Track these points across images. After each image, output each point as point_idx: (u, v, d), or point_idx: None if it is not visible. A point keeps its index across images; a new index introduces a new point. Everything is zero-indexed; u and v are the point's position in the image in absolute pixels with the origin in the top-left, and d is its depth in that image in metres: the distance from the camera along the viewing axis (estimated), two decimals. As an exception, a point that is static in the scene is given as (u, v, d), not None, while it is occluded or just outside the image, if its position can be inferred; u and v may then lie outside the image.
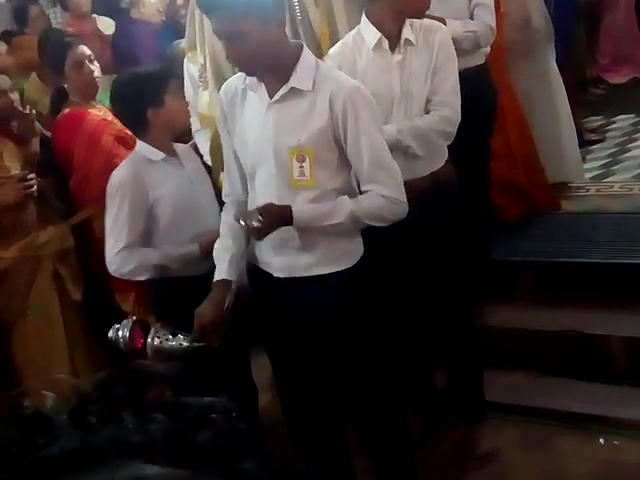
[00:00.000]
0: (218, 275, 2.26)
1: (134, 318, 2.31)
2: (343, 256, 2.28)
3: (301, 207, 2.15)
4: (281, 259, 2.26)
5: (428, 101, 2.67)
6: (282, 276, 2.29)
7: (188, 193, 2.71)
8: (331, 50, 2.84)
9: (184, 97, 3.16)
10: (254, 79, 2.18)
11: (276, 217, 2.13)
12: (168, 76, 2.81)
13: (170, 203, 2.67)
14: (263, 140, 2.18)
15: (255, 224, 2.09)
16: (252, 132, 2.20)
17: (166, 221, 2.69)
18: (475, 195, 3.44)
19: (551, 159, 4.23)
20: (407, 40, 2.65)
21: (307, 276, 2.26)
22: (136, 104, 2.65)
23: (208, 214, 2.71)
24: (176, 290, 2.67)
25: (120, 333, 2.22)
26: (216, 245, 2.34)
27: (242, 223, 2.13)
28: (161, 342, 2.19)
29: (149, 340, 2.19)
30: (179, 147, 2.85)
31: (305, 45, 2.36)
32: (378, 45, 2.68)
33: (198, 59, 3.13)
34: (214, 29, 2.11)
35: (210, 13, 2.06)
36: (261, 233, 2.13)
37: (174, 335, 2.21)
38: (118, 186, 2.64)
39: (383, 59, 2.68)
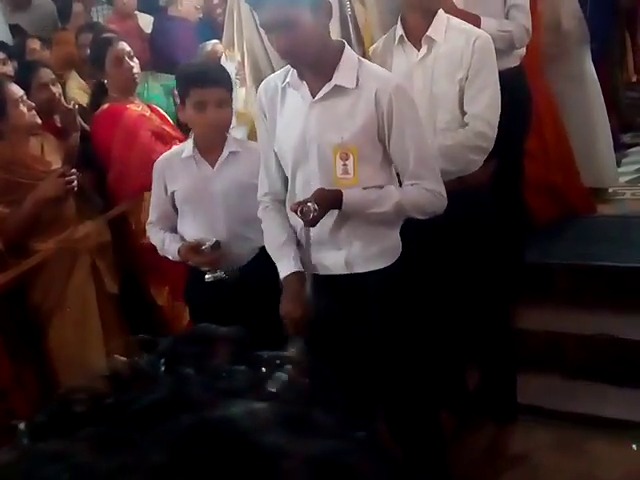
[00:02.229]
0: (286, 270, 2.26)
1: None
2: (383, 253, 2.28)
3: (351, 191, 2.15)
4: (320, 256, 2.26)
5: (464, 112, 2.64)
6: (322, 273, 2.28)
7: (201, 194, 2.71)
8: (370, 48, 2.86)
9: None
10: (296, 77, 2.19)
11: (329, 200, 2.14)
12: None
13: (181, 198, 2.75)
14: (305, 138, 2.18)
15: (311, 208, 2.08)
16: (294, 131, 2.21)
17: (181, 214, 2.78)
18: (509, 196, 3.43)
19: (585, 163, 4.20)
20: (430, 38, 2.63)
21: (347, 274, 2.26)
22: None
23: (219, 218, 2.70)
24: (206, 287, 2.69)
25: None
26: (270, 245, 2.35)
27: (297, 212, 2.12)
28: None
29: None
30: (231, 149, 2.77)
31: (349, 43, 2.38)
32: (401, 41, 2.68)
33: (235, 57, 3.16)
34: (262, 21, 2.10)
35: (260, 4, 2.06)
36: (315, 218, 2.12)
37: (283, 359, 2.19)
38: (154, 169, 2.80)
39: (406, 56, 2.68)
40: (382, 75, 2.19)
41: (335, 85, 2.14)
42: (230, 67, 3.27)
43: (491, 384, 3.17)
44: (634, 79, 6.05)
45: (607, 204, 4.30)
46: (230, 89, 2.66)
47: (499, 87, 2.67)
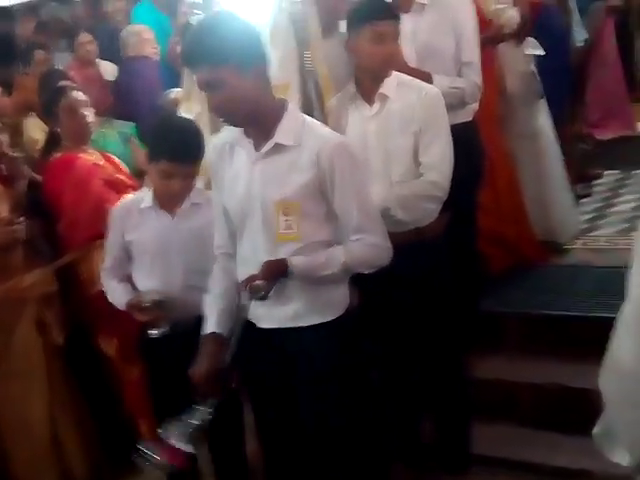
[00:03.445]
0: (207, 329, 2.27)
1: (146, 443, 2.24)
2: (329, 306, 2.28)
3: (296, 259, 2.17)
4: (265, 310, 2.25)
5: (418, 164, 2.71)
6: (267, 327, 2.28)
7: (159, 245, 2.72)
8: (328, 104, 2.92)
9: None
10: (242, 135, 2.22)
11: (276, 272, 2.16)
12: None
13: (138, 247, 2.76)
14: (250, 194, 2.20)
15: (260, 286, 2.11)
16: (239, 187, 2.23)
17: (136, 262, 2.79)
18: (463, 247, 3.47)
19: (538, 218, 4.31)
20: (383, 95, 2.71)
21: (293, 327, 2.25)
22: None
23: (175, 269, 2.71)
24: (158, 340, 2.69)
25: (152, 460, 2.16)
26: (206, 299, 2.35)
27: (246, 290, 2.15)
28: (187, 430, 2.13)
29: (176, 442, 2.12)
30: (193, 200, 2.78)
31: (309, 98, 2.44)
32: (355, 98, 2.77)
33: (194, 108, 3.18)
34: (197, 82, 2.13)
35: (193, 66, 2.09)
36: (265, 295, 2.15)
37: (189, 413, 2.16)
38: (111, 217, 2.82)
39: (360, 113, 2.76)
40: (323, 134, 2.22)
41: (276, 143, 2.16)
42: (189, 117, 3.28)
43: (444, 435, 3.17)
44: (584, 132, 6.24)
45: (559, 254, 4.38)
46: (199, 161, 2.69)
47: (451, 139, 2.74)
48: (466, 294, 3.51)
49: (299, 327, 2.25)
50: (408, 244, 2.64)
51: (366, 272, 2.30)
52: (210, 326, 2.27)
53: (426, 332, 2.92)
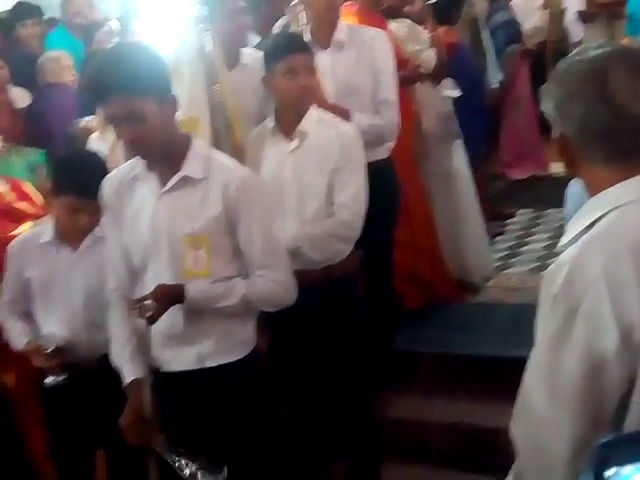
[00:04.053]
0: (127, 377, 2.19)
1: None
2: (236, 345, 2.22)
3: (194, 286, 2.11)
4: (171, 352, 2.18)
5: (332, 202, 2.69)
6: (172, 370, 2.20)
7: (59, 281, 2.63)
8: (244, 138, 2.88)
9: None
10: (144, 169, 2.15)
11: (169, 296, 2.09)
12: None
13: (38, 284, 2.66)
14: (155, 230, 2.13)
15: (150, 306, 2.04)
16: (143, 223, 2.15)
17: (36, 300, 2.69)
18: (378, 284, 3.48)
19: (453, 256, 4.36)
20: (302, 131, 2.70)
21: (199, 368, 2.19)
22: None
23: (76, 306, 2.62)
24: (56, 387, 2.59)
25: None
26: (113, 348, 2.27)
27: (135, 310, 2.08)
28: None
29: None
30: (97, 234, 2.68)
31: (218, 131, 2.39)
32: (274, 133, 2.74)
33: (108, 137, 3.09)
34: (108, 114, 2.05)
35: (107, 97, 2.01)
36: (154, 316, 2.07)
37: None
38: (9, 252, 2.71)
39: (278, 147, 2.74)
40: (231, 166, 2.20)
41: (184, 176, 2.11)
42: (102, 147, 3.20)
43: (355, 476, 3.12)
44: (499, 171, 6.40)
45: (472, 292, 4.42)
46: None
47: (366, 179, 2.74)
48: (380, 332, 3.50)
49: (206, 368, 2.18)
50: (319, 282, 2.62)
51: (269, 310, 2.27)
52: (128, 374, 2.19)
53: (337, 371, 2.88)
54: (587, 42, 6.06)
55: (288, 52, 2.65)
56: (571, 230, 1.43)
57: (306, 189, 2.69)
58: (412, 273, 4.11)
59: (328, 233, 2.68)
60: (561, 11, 7.33)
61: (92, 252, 2.62)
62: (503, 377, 3.46)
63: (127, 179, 2.19)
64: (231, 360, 2.20)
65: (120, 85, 1.96)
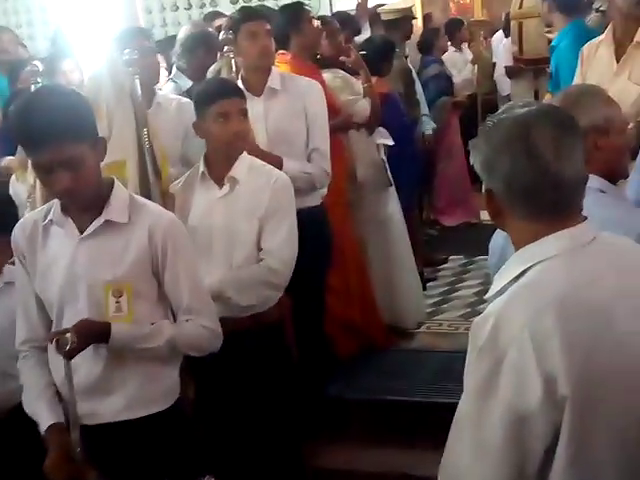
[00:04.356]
0: (45, 423, 2.09)
1: None
2: (158, 396, 2.16)
3: (118, 325, 2.05)
4: (88, 405, 2.09)
5: (260, 249, 2.69)
6: (88, 424, 2.10)
7: None
8: (173, 184, 2.86)
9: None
10: (60, 214, 2.09)
11: (92, 332, 2.02)
12: None
13: None
14: (73, 277, 2.07)
15: (69, 339, 1.94)
16: (59, 269, 2.09)
17: None
18: (309, 330, 3.46)
19: (386, 302, 4.38)
20: (233, 177, 2.69)
21: (116, 422, 2.11)
22: None
23: None
24: None
25: None
26: (27, 397, 2.17)
27: (53, 342, 1.99)
28: None
29: None
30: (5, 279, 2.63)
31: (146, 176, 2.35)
32: (204, 178, 2.73)
33: (28, 179, 3.02)
34: (42, 162, 1.95)
35: (42, 146, 1.92)
36: (73, 351, 1.97)
37: None
38: None
39: (208, 193, 2.72)
40: (155, 211, 2.17)
41: (106, 220, 2.07)
42: (21, 189, 3.12)
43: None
44: (431, 218, 6.52)
45: (405, 338, 4.44)
46: None
47: (295, 227, 2.74)
48: (312, 379, 3.48)
49: (125, 421, 2.11)
50: (247, 329, 2.61)
51: (195, 355, 2.23)
52: (47, 419, 2.09)
53: (266, 420, 2.83)
54: (515, 96, 6.34)
55: (220, 97, 2.65)
56: (498, 282, 1.46)
57: (235, 236, 2.68)
58: (345, 319, 4.11)
59: (255, 279, 2.66)
60: (491, 65, 7.60)
61: (3, 298, 2.54)
62: (434, 424, 3.48)
63: (41, 224, 2.12)
64: (152, 412, 2.13)
65: (57, 133, 1.89)
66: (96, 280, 2.06)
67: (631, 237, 1.59)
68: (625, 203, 1.94)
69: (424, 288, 5.01)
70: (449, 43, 7.20)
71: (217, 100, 2.65)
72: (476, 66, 6.96)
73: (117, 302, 2.04)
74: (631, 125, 3.04)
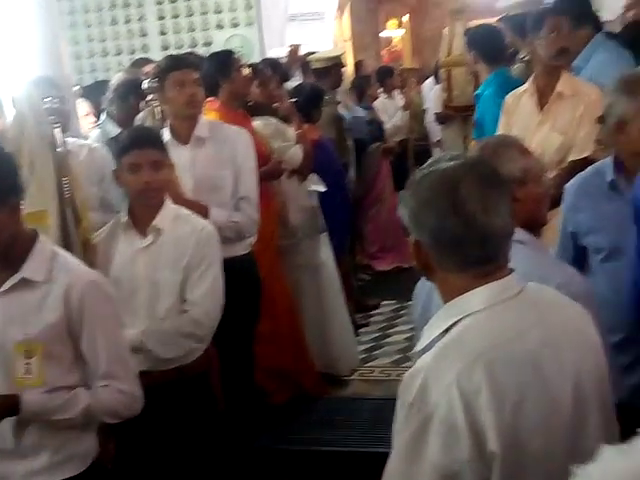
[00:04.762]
0: None
1: None
2: (73, 460, 2.07)
3: (30, 397, 1.96)
4: (13, 465, 2.00)
5: (184, 300, 2.64)
6: None
7: None
8: (96, 233, 2.80)
9: None
10: None
11: (2, 408, 1.94)
12: None
13: None
14: None
15: None
16: None
17: None
18: (238, 380, 3.42)
19: (318, 349, 4.35)
20: (156, 227, 2.65)
21: None
22: None
23: None
24: None
25: None
26: None
27: None
28: None
29: None
30: None
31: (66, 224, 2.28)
32: (127, 228, 2.68)
33: None
34: None
35: None
36: None
37: None
38: None
39: (131, 243, 2.67)
40: (76, 269, 2.09)
41: (22, 278, 2.00)
42: None
43: None
44: (364, 263, 6.54)
45: (337, 385, 4.42)
46: None
47: (221, 277, 2.71)
48: (242, 430, 3.42)
49: None
50: (171, 382, 2.54)
51: (113, 421, 2.15)
52: None
53: (194, 475, 2.75)
54: (445, 142, 6.46)
55: (132, 148, 2.62)
56: (426, 336, 1.46)
57: (158, 287, 2.62)
58: (276, 367, 4.07)
59: (177, 331, 2.61)
60: (422, 111, 7.75)
61: None
62: (368, 474, 3.44)
63: None
64: (68, 475, 2.05)
65: None
66: (7, 339, 1.97)
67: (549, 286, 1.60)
68: (543, 255, 1.96)
69: (356, 334, 5.01)
70: (380, 90, 7.33)
71: (129, 151, 2.61)
72: (408, 112, 7.08)
73: (27, 364, 1.95)
74: (553, 173, 3.16)
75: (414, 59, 9.83)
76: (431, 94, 7.66)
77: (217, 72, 3.74)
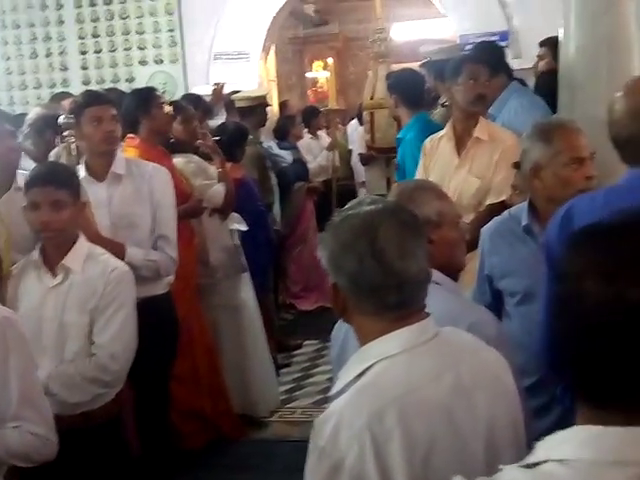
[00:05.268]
0: None
1: None
2: None
3: None
4: None
5: (92, 342, 2.56)
6: None
7: None
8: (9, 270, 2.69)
9: None
10: None
11: None
12: None
13: None
14: None
15: None
16: None
17: None
18: (152, 423, 3.33)
19: (238, 391, 4.29)
20: (66, 266, 2.57)
21: None
22: None
23: None
24: None
25: None
26: None
27: None
28: None
29: None
30: None
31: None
32: (37, 266, 2.60)
33: None
34: None
35: None
36: None
37: None
38: None
39: (41, 281, 2.59)
40: None
41: None
42: None
43: None
44: (287, 302, 6.51)
45: (256, 427, 4.35)
46: None
47: (133, 319, 2.65)
48: (157, 475, 3.31)
49: None
50: (78, 428, 2.45)
51: (25, 465, 2.06)
52: None
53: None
54: (369, 183, 6.52)
55: (33, 185, 2.54)
56: (341, 379, 1.45)
57: (66, 328, 2.54)
58: (193, 409, 3.99)
59: (82, 375, 2.51)
60: (347, 152, 7.83)
61: None
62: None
63: None
64: None
65: None
66: None
67: (462, 328, 1.62)
68: (457, 296, 1.98)
69: (278, 374, 4.95)
70: (306, 130, 7.38)
71: (30, 188, 2.55)
72: (332, 152, 7.14)
73: None
74: (470, 216, 3.21)
75: (339, 100, 9.95)
76: (355, 135, 7.78)
77: (137, 108, 3.69)
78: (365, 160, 6.63)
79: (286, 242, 6.20)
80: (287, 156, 6.23)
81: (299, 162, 6.40)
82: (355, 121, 8.12)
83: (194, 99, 4.87)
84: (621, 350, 0.92)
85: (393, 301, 1.41)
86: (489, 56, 3.78)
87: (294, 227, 6.27)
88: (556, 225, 2.07)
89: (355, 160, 7.56)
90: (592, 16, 3.34)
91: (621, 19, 3.34)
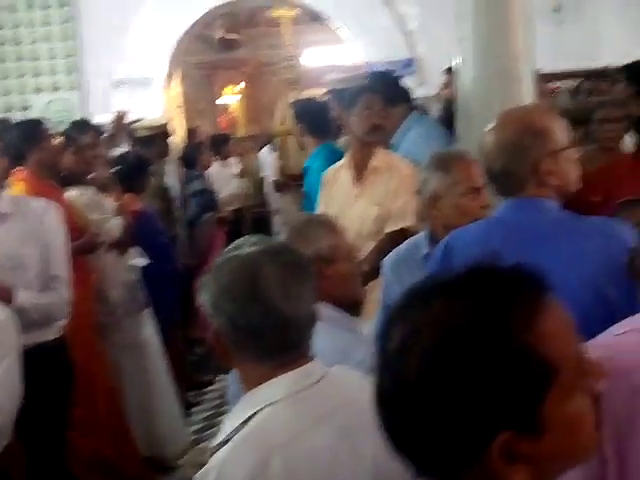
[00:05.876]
0: None
1: None
2: None
3: None
4: None
5: None
6: None
7: None
8: None
9: None
10: None
11: None
12: None
13: None
14: None
15: None
16: None
17: None
18: (49, 475, 3.12)
19: (143, 433, 4.11)
20: None
21: None
22: None
23: None
24: None
25: None
26: None
27: None
28: None
29: None
30: None
31: None
32: None
33: None
34: None
35: None
36: None
37: None
38: None
39: None
40: None
41: None
42: None
43: None
44: (197, 336, 6.31)
45: (165, 471, 4.17)
46: None
47: (14, 370, 2.44)
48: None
49: None
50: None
51: None
52: None
53: None
54: (283, 210, 6.43)
55: None
56: (227, 426, 1.39)
57: None
58: (93, 455, 3.77)
59: None
60: (260, 179, 7.72)
61: None
62: None
63: None
64: None
65: None
66: None
67: (350, 365, 1.60)
68: (348, 332, 1.93)
69: (188, 414, 4.78)
70: (216, 157, 7.23)
71: None
72: (243, 180, 7.03)
73: None
74: (371, 244, 3.18)
75: (251, 126, 9.87)
76: (268, 161, 7.68)
77: (23, 141, 3.51)
78: (279, 187, 6.55)
79: (196, 274, 6.02)
80: (195, 185, 6.07)
81: (207, 191, 6.24)
82: (267, 147, 8.04)
83: (83, 126, 4.66)
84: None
85: (276, 344, 1.36)
86: (384, 86, 3.80)
87: (204, 258, 6.09)
88: (437, 260, 2.03)
89: (269, 187, 7.46)
90: (486, 47, 3.39)
91: (512, 51, 3.39)
